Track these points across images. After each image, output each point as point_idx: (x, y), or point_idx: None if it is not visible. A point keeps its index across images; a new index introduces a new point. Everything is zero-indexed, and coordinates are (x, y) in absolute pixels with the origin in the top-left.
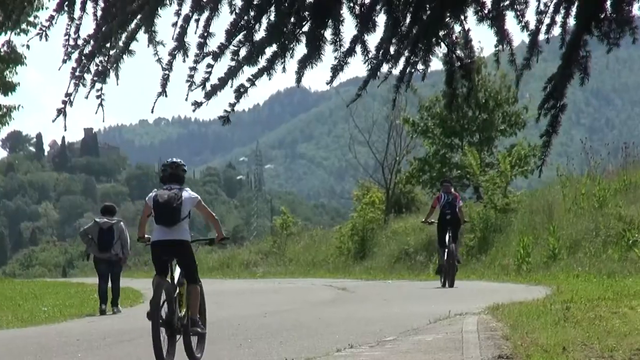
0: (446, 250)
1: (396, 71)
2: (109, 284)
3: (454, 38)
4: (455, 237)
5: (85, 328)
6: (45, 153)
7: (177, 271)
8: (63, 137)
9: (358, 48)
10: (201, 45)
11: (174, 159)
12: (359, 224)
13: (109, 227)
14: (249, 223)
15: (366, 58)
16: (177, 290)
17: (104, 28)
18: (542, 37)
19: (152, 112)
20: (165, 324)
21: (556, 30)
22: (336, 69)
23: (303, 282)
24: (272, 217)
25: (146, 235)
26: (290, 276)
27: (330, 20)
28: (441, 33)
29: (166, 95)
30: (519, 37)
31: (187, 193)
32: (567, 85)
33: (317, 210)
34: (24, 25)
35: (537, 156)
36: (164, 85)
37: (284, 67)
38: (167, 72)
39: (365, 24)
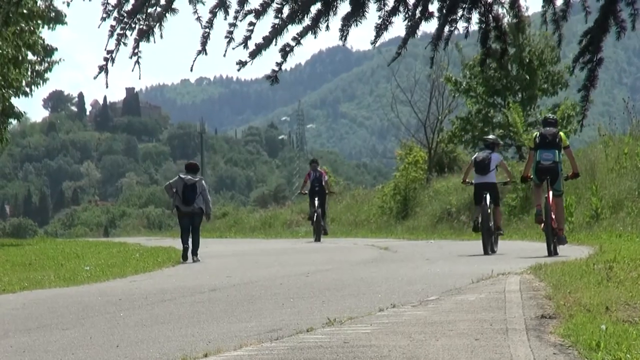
0: (315, 213)
1: (434, 29)
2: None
3: None
4: (322, 204)
5: (128, 287)
6: (87, 112)
7: (488, 200)
8: (105, 97)
9: (402, 7)
10: (242, 2)
11: (488, 136)
12: (401, 183)
13: (192, 183)
14: (290, 182)
15: (406, 16)
16: (490, 211)
17: None
18: None
19: (191, 70)
20: (487, 231)
21: None
22: (380, 28)
23: (345, 241)
24: None
25: (467, 180)
26: (332, 236)
27: None
28: None
29: (206, 54)
30: None
31: (495, 155)
32: (603, 38)
33: (359, 170)
34: None
35: (578, 113)
36: (204, 43)
37: (327, 26)
38: (207, 30)
39: None
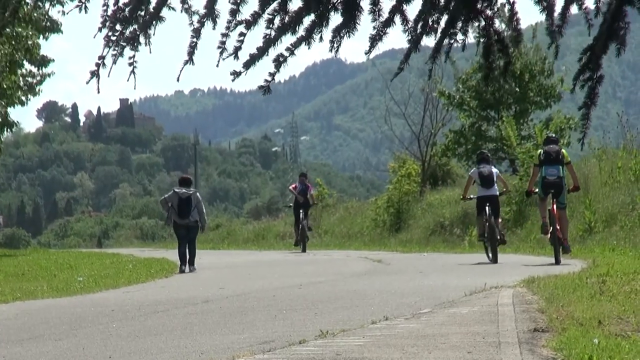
0: (300, 225)
1: (432, 43)
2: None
3: (492, 11)
4: (306, 215)
5: (121, 298)
6: (81, 123)
7: (488, 210)
8: (99, 108)
9: (397, 19)
10: (234, 12)
11: (483, 150)
12: (394, 196)
13: (187, 197)
14: (284, 194)
15: (406, 28)
16: (493, 221)
17: None
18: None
19: (177, 80)
20: (492, 239)
21: (590, 1)
22: (374, 39)
23: (338, 253)
24: None
25: (467, 196)
26: (325, 248)
27: None
28: (479, 5)
29: (193, 64)
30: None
31: (495, 169)
32: (602, 56)
33: (353, 182)
34: None
35: (574, 129)
36: (191, 53)
37: (321, 37)
38: (194, 39)
39: None
